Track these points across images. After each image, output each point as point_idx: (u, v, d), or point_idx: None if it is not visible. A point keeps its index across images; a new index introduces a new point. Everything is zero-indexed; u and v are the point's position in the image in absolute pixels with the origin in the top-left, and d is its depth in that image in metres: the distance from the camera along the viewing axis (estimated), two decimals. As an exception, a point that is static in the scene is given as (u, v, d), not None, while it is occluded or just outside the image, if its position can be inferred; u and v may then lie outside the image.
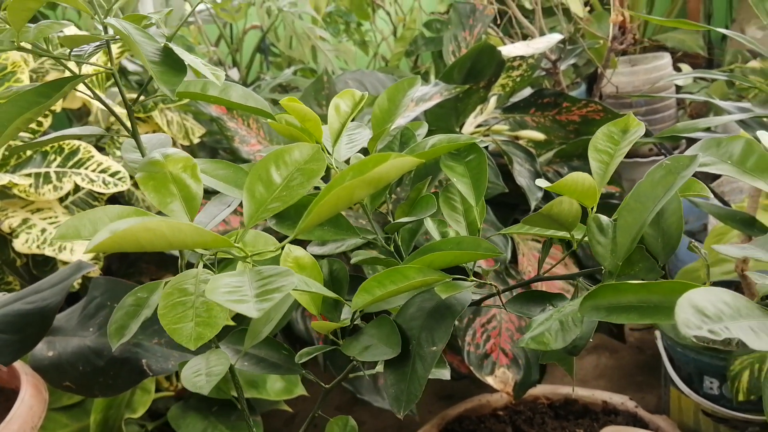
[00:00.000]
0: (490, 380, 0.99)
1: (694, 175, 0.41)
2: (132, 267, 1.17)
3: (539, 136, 1.24)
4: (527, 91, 1.31)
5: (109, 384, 0.71)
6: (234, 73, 1.72)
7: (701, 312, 0.32)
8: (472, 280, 0.46)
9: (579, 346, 0.40)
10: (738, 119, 0.92)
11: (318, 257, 0.56)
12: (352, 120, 0.62)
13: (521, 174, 1.13)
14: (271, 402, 0.99)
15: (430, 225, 0.50)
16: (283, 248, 0.49)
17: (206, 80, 0.54)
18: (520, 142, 1.26)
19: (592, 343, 1.47)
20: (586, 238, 0.45)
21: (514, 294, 0.50)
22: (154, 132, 1.45)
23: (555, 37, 1.16)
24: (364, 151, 0.60)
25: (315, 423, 0.67)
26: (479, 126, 1.30)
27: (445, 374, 0.62)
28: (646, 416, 1.02)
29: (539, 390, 1.08)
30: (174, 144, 1.52)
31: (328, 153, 0.58)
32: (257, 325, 0.59)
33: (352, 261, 0.53)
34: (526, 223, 0.44)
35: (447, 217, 0.53)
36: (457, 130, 1.26)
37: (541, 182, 0.43)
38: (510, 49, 1.15)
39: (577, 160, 1.21)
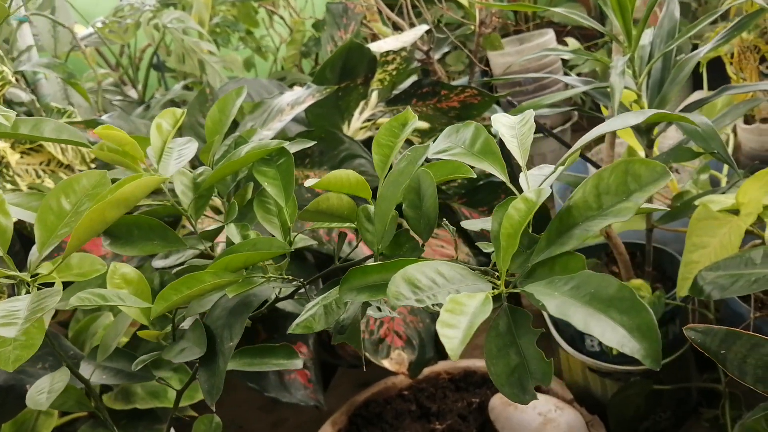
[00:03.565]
0: (386, 363, 1.04)
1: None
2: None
3: (423, 125, 1.29)
4: (410, 82, 1.36)
5: (-5, 412, 0.74)
6: (135, 93, 1.72)
7: (413, 284, 0.37)
8: (269, 276, 0.50)
9: (346, 325, 0.45)
10: (581, 91, 0.99)
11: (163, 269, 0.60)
12: (180, 136, 0.65)
13: (403, 164, 1.18)
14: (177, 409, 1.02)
15: (231, 230, 0.54)
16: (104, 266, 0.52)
17: (18, 118, 0.56)
18: (406, 132, 1.31)
19: (493, 316, 1.54)
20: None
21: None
22: (48, 161, 1.44)
23: (421, 29, 1.21)
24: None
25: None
26: (366, 120, 1.34)
27: (297, 364, 0.66)
28: (537, 378, 1.09)
29: (440, 366, 1.14)
30: (72, 170, 1.50)
31: (154, 170, 0.61)
32: (106, 340, 0.62)
33: (174, 272, 0.56)
34: (301, 219, 0.48)
35: (261, 219, 0.57)
36: (344, 126, 1.30)
37: (310, 182, 0.47)
38: (380, 45, 1.20)
39: (459, 144, 1.27)
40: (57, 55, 1.71)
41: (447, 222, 0.47)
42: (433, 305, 0.38)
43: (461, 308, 0.33)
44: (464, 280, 0.39)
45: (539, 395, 1.02)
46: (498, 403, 1.02)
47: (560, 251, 0.37)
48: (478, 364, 1.14)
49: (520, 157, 0.42)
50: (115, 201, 0.39)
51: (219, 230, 0.56)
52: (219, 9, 1.66)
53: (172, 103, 1.44)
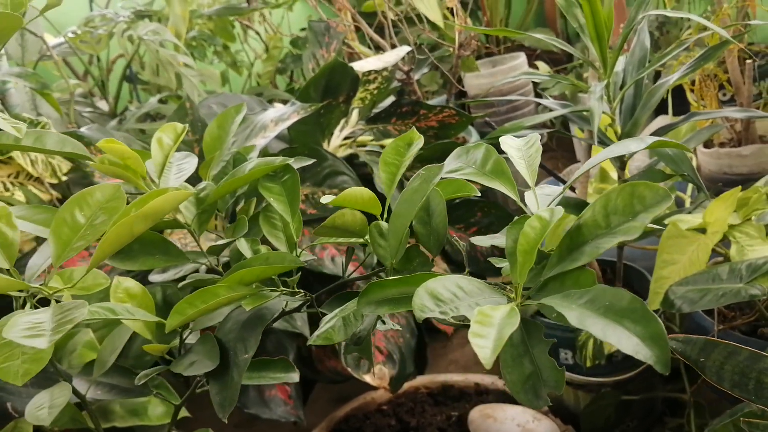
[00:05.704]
0: (367, 378, 1.05)
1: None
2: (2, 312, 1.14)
3: (401, 143, 1.32)
4: (389, 102, 1.39)
5: (-29, 432, 0.71)
6: (105, 105, 1.70)
7: (436, 297, 0.39)
8: (281, 290, 0.52)
9: (362, 337, 0.46)
10: (560, 115, 1.04)
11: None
12: (178, 150, 0.66)
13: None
14: (156, 427, 1.00)
15: (242, 245, 0.55)
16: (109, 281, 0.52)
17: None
18: (385, 150, 1.34)
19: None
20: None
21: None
22: (17, 173, 1.41)
23: (403, 49, 1.24)
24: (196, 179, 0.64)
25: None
26: (346, 138, 1.36)
27: (294, 377, 0.67)
28: (513, 390, 1.12)
29: (419, 381, 1.16)
30: (41, 183, 1.47)
31: (155, 185, 0.61)
32: (103, 355, 0.62)
33: (179, 285, 0.57)
34: (317, 234, 0.50)
35: (267, 234, 0.58)
36: (325, 143, 1.31)
37: (326, 198, 0.49)
38: (362, 64, 1.22)
39: (437, 162, 1.30)
40: (24, 65, 1.68)
41: (456, 238, 0.49)
42: (455, 317, 0.41)
43: (489, 320, 0.35)
44: (482, 294, 0.41)
45: (517, 407, 1.05)
46: (477, 416, 1.04)
47: (572, 267, 0.40)
48: (456, 378, 1.16)
49: (528, 177, 0.45)
50: (143, 215, 0.40)
51: (226, 245, 0.57)
52: (195, 22, 1.66)
53: (147, 116, 1.43)
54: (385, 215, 0.52)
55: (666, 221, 0.95)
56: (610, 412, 1.11)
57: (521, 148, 0.47)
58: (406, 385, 1.16)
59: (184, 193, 0.42)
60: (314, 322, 1.11)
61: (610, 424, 1.13)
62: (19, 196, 1.31)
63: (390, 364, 1.07)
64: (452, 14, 1.93)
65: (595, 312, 0.36)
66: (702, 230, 0.90)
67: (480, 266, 1.17)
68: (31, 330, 0.38)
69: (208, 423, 1.40)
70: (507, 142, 0.48)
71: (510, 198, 0.52)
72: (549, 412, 1.08)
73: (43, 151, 0.56)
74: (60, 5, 1.14)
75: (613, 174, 1.17)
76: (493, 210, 1.22)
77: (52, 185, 1.36)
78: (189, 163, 0.66)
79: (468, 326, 0.44)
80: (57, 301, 0.44)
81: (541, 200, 0.46)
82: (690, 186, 1.18)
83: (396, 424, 1.11)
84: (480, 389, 1.13)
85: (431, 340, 1.35)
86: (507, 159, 0.51)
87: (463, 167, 0.48)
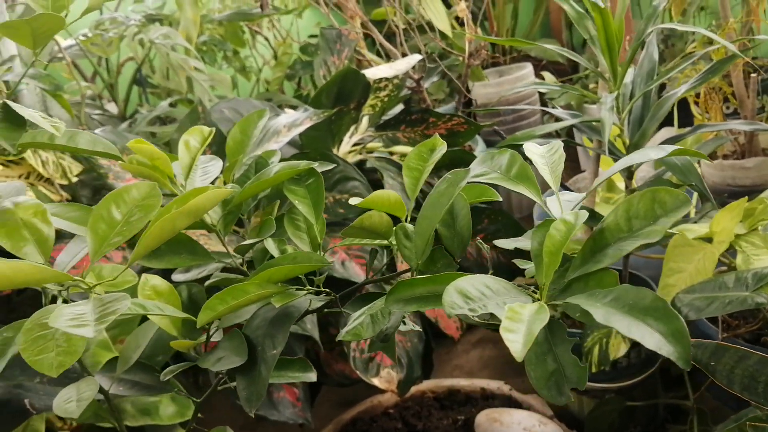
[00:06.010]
0: (375, 381, 1.06)
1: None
2: (13, 312, 1.15)
3: (409, 149, 1.34)
4: (398, 109, 1.41)
5: (-10, 427, 0.72)
6: (113, 107, 1.71)
7: (465, 295, 0.41)
8: (309, 289, 0.53)
9: (389, 334, 0.48)
10: (569, 125, 1.06)
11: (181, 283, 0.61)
12: (203, 153, 0.67)
13: (393, 187, 1.22)
14: (167, 427, 1.01)
15: (270, 244, 0.56)
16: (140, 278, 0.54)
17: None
18: (394, 157, 1.36)
19: (476, 337, 1.56)
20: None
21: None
22: (28, 174, 1.42)
23: (415, 58, 1.26)
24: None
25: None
26: (356, 145, 1.38)
27: (311, 377, 0.69)
28: (519, 397, 1.13)
29: (425, 385, 1.17)
30: (51, 184, 1.49)
31: (182, 186, 0.63)
32: (126, 352, 0.63)
33: (206, 284, 0.58)
34: (345, 235, 0.51)
35: (291, 235, 0.59)
36: (334, 149, 1.33)
37: (354, 200, 0.51)
38: (374, 72, 1.24)
39: (446, 170, 1.31)
40: (34, 66, 1.69)
41: (480, 242, 0.51)
42: (481, 315, 0.42)
43: (518, 316, 0.37)
44: (509, 293, 0.42)
45: (523, 412, 1.07)
46: (484, 419, 1.05)
47: (595, 268, 0.42)
48: (462, 383, 1.17)
49: (552, 182, 0.47)
50: (186, 211, 0.41)
51: (253, 245, 0.59)
52: (206, 27, 1.68)
53: (159, 119, 1.44)
54: (409, 218, 0.54)
55: (673, 230, 0.97)
56: (614, 417, 1.12)
57: (545, 155, 0.49)
58: (413, 389, 1.17)
59: (224, 191, 0.44)
60: (323, 325, 1.12)
61: (613, 430, 1.14)
62: (30, 196, 1.32)
63: (398, 368, 1.08)
64: (460, 24, 1.96)
65: (620, 310, 0.37)
66: (708, 239, 0.91)
67: (487, 273, 1.19)
68: (75, 320, 0.40)
69: (216, 424, 1.41)
70: (531, 148, 0.50)
71: (514, 206, 0.54)
72: (554, 416, 1.09)
73: (76, 150, 0.57)
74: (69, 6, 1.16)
75: (620, 184, 1.19)
76: (499, 217, 1.24)
77: (62, 186, 1.38)
78: (214, 166, 0.68)
79: (493, 325, 0.46)
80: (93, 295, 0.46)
81: (563, 206, 0.47)
82: (695, 196, 1.20)
83: (402, 428, 1.12)
84: (486, 394, 1.15)
85: (436, 345, 1.36)
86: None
87: (488, 172, 0.49)
